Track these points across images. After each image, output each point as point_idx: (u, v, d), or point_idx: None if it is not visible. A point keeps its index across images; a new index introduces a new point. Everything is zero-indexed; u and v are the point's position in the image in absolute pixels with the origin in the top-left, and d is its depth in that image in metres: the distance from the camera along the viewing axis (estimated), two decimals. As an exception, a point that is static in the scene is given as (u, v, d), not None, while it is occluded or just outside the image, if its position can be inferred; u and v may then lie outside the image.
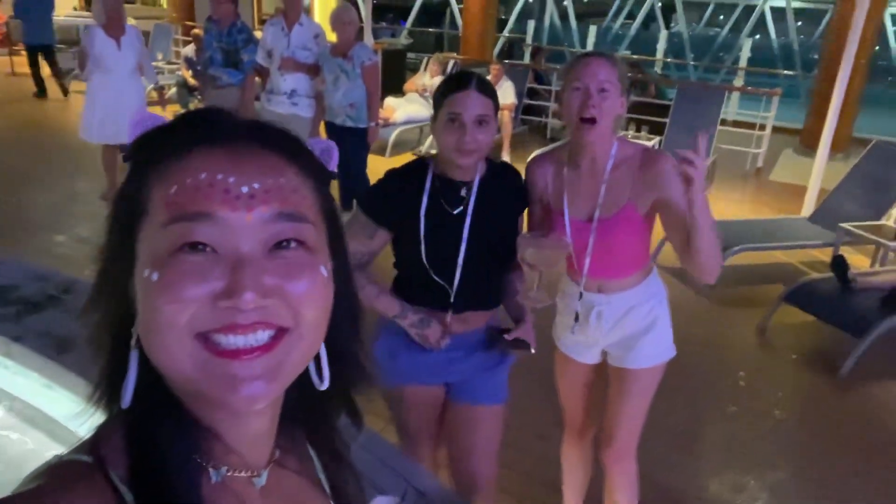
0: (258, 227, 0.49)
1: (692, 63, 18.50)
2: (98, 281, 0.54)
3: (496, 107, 1.62)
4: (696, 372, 3.31)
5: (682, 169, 1.44)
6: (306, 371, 0.56)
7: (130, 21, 5.05)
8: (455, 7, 16.27)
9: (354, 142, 4.49)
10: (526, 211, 1.84)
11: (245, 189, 0.49)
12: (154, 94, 6.68)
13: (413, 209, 1.63)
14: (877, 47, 8.30)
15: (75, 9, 12.17)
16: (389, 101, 7.13)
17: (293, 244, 0.50)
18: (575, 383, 2.01)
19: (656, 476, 2.46)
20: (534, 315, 1.75)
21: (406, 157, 7.77)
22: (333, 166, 0.59)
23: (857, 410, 3.22)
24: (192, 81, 7.96)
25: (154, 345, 0.49)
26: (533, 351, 1.70)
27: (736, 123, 8.46)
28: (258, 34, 4.84)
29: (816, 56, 13.71)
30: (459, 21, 13.42)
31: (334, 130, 4.53)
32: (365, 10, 7.61)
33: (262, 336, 0.49)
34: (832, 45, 7.79)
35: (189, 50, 8.38)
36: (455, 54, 9.58)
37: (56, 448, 1.55)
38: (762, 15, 25.73)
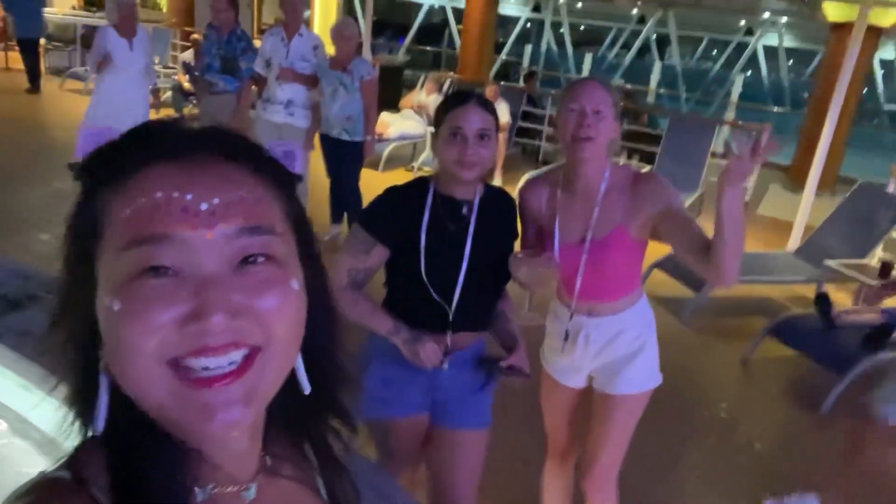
0: (221, 244, 0.46)
1: (684, 95, 18.78)
2: (60, 304, 0.51)
3: (496, 123, 1.64)
4: (678, 402, 3.31)
5: (730, 157, 1.42)
6: (293, 377, 0.55)
7: None
8: (454, 27, 16.45)
9: (349, 155, 4.50)
10: (520, 232, 1.84)
11: (204, 206, 0.46)
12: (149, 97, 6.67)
13: (414, 226, 1.62)
14: (865, 89, 8.47)
15: (74, 7, 12.13)
16: (385, 116, 7.16)
17: (261, 259, 0.48)
18: (560, 407, 2.00)
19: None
20: (524, 339, 1.75)
21: (399, 173, 7.73)
22: (298, 168, 0.56)
23: (837, 447, 3.24)
24: (187, 86, 7.96)
25: (123, 374, 0.47)
26: (528, 377, 1.69)
27: (726, 157, 8.55)
28: (257, 43, 4.86)
29: (806, 95, 13.97)
30: (457, 41, 13.56)
31: (329, 142, 4.53)
32: (364, 26, 7.66)
33: (235, 356, 0.46)
34: (822, 86, 7.95)
35: (187, 55, 8.39)
36: (452, 73, 9.66)
37: (28, 450, 1.52)
38: (755, 52, 26.20)
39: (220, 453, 0.52)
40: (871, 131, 14.92)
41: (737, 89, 11.40)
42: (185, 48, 9.32)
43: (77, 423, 0.52)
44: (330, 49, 4.53)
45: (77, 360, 0.51)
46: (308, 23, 9.85)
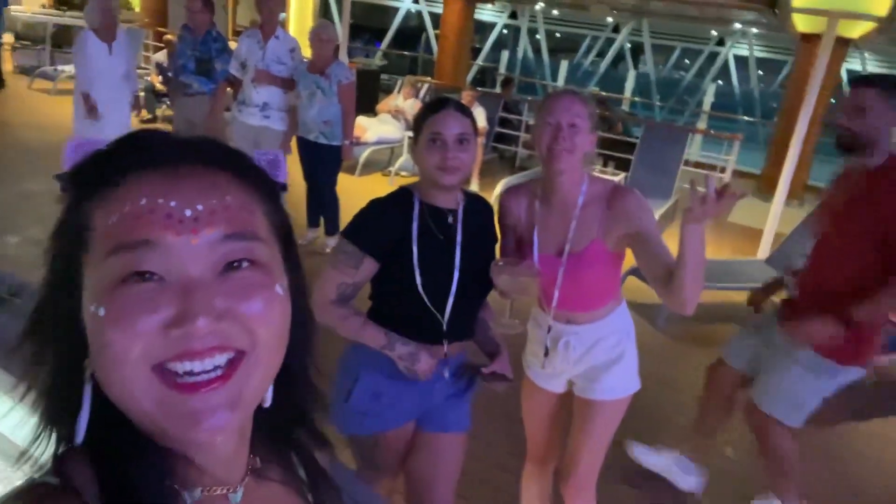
0: (205, 250, 0.47)
1: (658, 104, 19.06)
2: (39, 313, 0.51)
3: (475, 128, 1.64)
4: (652, 408, 3.34)
5: (693, 198, 1.43)
6: (278, 382, 0.55)
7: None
8: (431, 32, 16.48)
9: (326, 159, 4.48)
10: (499, 240, 1.85)
11: (188, 212, 0.47)
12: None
13: (404, 237, 1.61)
14: (833, 100, 8.67)
15: (44, 6, 11.89)
16: (361, 120, 7.14)
17: (245, 264, 0.49)
18: (540, 411, 2.02)
19: (611, 511, 2.45)
20: (506, 346, 1.75)
21: (376, 178, 7.70)
22: (282, 178, 0.58)
23: (811, 454, 3.28)
24: (160, 87, 7.85)
25: (110, 381, 0.47)
26: (510, 381, 1.70)
27: (698, 165, 8.71)
28: (233, 45, 4.81)
29: (775, 104, 14.26)
30: (434, 46, 13.59)
31: (307, 146, 4.50)
32: (341, 29, 7.64)
33: (220, 360, 0.47)
34: (791, 95, 8.12)
35: (160, 56, 8.26)
36: (429, 78, 9.67)
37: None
38: (726, 62, 26.66)
39: (207, 457, 0.52)
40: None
41: (709, 98, 11.60)
42: (157, 48, 9.19)
43: (49, 432, 0.51)
44: (306, 52, 4.51)
45: (58, 368, 0.51)
46: (284, 25, 9.78)
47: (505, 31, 24.94)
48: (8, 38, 10.50)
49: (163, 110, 7.99)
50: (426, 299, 1.62)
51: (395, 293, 1.65)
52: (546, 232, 1.77)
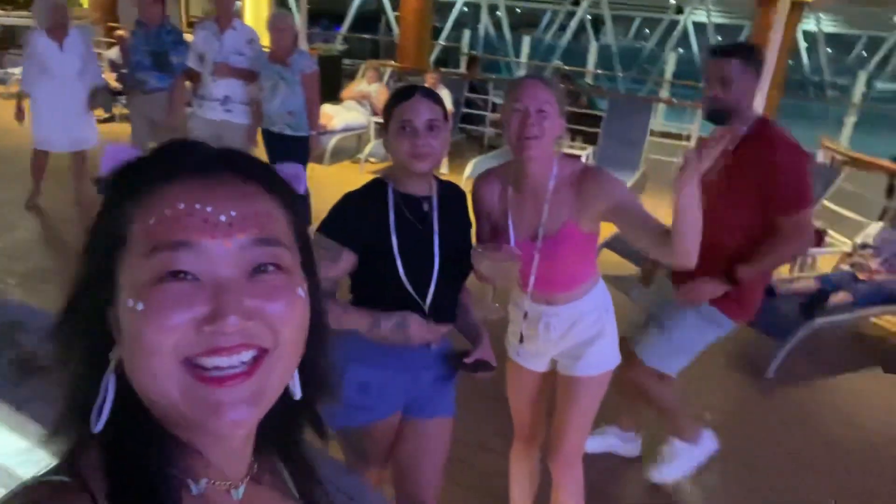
0: (237, 253, 0.51)
1: (620, 74, 19.14)
2: (69, 310, 0.54)
3: (445, 114, 1.63)
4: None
5: (688, 153, 1.49)
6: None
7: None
8: (390, 13, 16.28)
9: (293, 150, 4.39)
10: (476, 229, 1.85)
11: (223, 217, 0.51)
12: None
13: (381, 226, 1.60)
14: (790, 61, 8.80)
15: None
16: (327, 108, 7.04)
17: (271, 268, 0.53)
18: (524, 391, 2.04)
19: (595, 482, 2.50)
20: (488, 331, 1.77)
21: (345, 166, 7.60)
22: (302, 189, 0.61)
23: (783, 410, 3.38)
24: (114, 85, 7.63)
25: (139, 371, 0.50)
26: (493, 369, 1.71)
27: (663, 134, 8.79)
28: (188, 37, 4.69)
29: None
30: (395, 27, 13.44)
31: (272, 138, 4.42)
32: (299, 16, 7.50)
33: (245, 356, 0.51)
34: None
35: (112, 53, 8.03)
36: (392, 62, 9.57)
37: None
38: (685, 30, 26.85)
39: (216, 451, 0.55)
40: (798, 103, 15.54)
41: (670, 67, 11.68)
42: (109, 45, 8.92)
43: (73, 426, 0.54)
44: (265, 42, 4.42)
45: (85, 359, 0.54)
46: (239, 14, 9.57)
47: (465, 10, 24.76)
48: (-49, 41, 10.12)
49: (119, 108, 7.78)
50: (409, 287, 1.62)
51: (375, 283, 1.64)
52: (520, 217, 1.78)
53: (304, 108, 4.32)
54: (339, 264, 1.60)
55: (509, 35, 23.20)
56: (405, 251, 1.61)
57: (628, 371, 2.37)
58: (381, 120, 6.30)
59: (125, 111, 7.49)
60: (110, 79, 7.76)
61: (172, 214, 0.50)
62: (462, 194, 1.81)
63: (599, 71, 13.69)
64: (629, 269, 4.42)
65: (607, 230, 1.93)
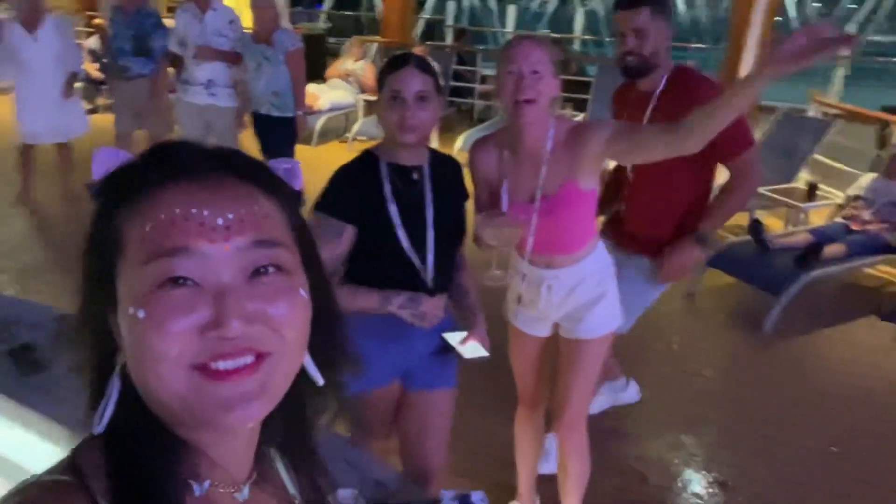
0: (236, 256, 0.50)
1: (608, 39, 18.94)
2: (81, 317, 0.55)
3: (437, 85, 1.62)
4: (630, 340, 3.42)
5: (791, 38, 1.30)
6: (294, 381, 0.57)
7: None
8: (372, -11, 16.03)
9: (280, 132, 4.35)
10: (474, 195, 1.86)
11: (220, 220, 0.50)
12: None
13: (377, 198, 1.61)
14: (779, 18, 8.72)
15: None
16: (312, 87, 6.96)
17: (271, 269, 0.52)
18: (527, 356, 2.05)
19: (600, 444, 2.53)
20: (483, 311, 1.79)
21: (333, 146, 7.56)
22: (298, 185, 0.60)
23: (779, 364, 3.43)
24: (96, 75, 7.54)
25: (146, 375, 0.50)
26: (487, 354, 1.73)
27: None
28: (168, 22, 4.62)
29: (723, 29, 14.27)
30: (378, 3, 13.25)
31: (259, 120, 4.37)
32: (280, -5, 7.39)
33: (249, 358, 0.50)
34: (738, 18, 8.13)
35: (92, 42, 7.91)
36: (377, 37, 9.45)
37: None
38: (671, -10, 26.42)
39: (221, 450, 0.55)
40: (786, 59, 15.34)
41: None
42: (89, 34, 8.78)
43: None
44: (247, 22, 4.36)
45: (90, 363, 0.55)
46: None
47: (448, -19, 24.38)
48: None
49: (103, 99, 7.69)
50: (410, 255, 1.63)
51: (374, 255, 1.65)
52: (516, 179, 1.77)
53: (289, 88, 4.27)
54: (342, 240, 1.60)
55: (495, 4, 22.90)
56: (403, 219, 1.62)
57: None
58: (368, 98, 6.23)
59: (109, 101, 7.42)
60: (91, 69, 7.66)
61: (169, 220, 0.50)
62: (457, 166, 1.81)
63: (587, 37, 13.56)
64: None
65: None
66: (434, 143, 6.46)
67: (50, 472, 0.51)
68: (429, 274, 1.66)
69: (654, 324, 3.73)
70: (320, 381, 0.60)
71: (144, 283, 0.49)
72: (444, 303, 1.70)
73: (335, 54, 9.05)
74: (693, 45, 13.44)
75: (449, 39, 10.43)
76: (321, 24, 12.98)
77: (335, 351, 0.62)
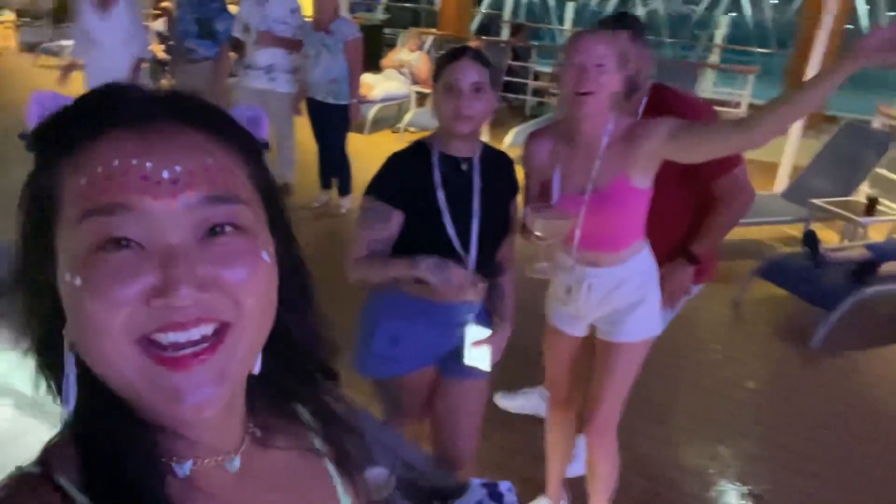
0: (185, 214, 0.44)
1: (668, 40, 18.53)
2: (16, 280, 0.49)
3: (492, 78, 1.65)
4: (673, 346, 3.38)
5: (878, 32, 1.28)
6: (270, 346, 0.52)
7: None
8: (432, -19, 16.05)
9: (335, 119, 4.46)
10: (525, 186, 1.87)
11: (166, 174, 0.44)
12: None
13: (427, 187, 1.65)
14: (850, 26, 8.40)
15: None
16: (367, 77, 7.05)
17: (228, 229, 0.46)
18: (562, 355, 2.05)
19: (634, 446, 2.52)
20: (509, 326, 1.83)
21: (385, 135, 7.63)
22: (263, 134, 0.54)
23: (826, 381, 3.33)
24: (162, 56, 7.79)
25: (90, 352, 0.45)
26: (488, 370, 1.78)
27: (712, 101, 8.51)
28: (233, 9, 4.75)
29: (791, 35, 13.80)
30: (436, -4, 13.27)
31: (315, 107, 4.49)
32: (341, -16, 7.49)
33: (205, 330, 0.45)
34: (806, 24, 7.86)
35: (159, 24, 8.18)
36: (433, 30, 9.49)
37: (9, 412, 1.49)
38: (738, -7, 25.73)
39: (195, 430, 0.49)
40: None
41: (721, 32, 11.26)
42: (156, 17, 9.08)
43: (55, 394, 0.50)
44: (307, 11, 4.45)
45: (41, 336, 0.49)
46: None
47: (508, -24, 24.21)
48: (9, 16, 10.43)
49: (166, 80, 7.95)
50: (455, 243, 1.66)
51: (420, 241, 1.68)
52: (569, 172, 1.77)
53: (346, 76, 4.36)
54: (391, 224, 1.64)
55: (553, 1, 22.65)
56: (450, 207, 1.65)
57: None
58: (421, 89, 6.28)
59: (172, 82, 7.66)
60: (158, 50, 7.93)
61: (106, 172, 0.43)
62: (508, 160, 1.82)
63: (649, 37, 13.21)
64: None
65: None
66: (484, 137, 6.48)
67: (20, 466, 0.47)
68: (471, 264, 1.69)
69: (697, 331, 3.68)
70: (257, 368, 0.53)
71: (80, 246, 0.43)
72: (478, 283, 1.70)
73: (391, 45, 9.13)
74: (758, 50, 13.06)
75: (505, 35, 10.38)
76: (379, 14, 13.07)
77: (305, 323, 0.57)
